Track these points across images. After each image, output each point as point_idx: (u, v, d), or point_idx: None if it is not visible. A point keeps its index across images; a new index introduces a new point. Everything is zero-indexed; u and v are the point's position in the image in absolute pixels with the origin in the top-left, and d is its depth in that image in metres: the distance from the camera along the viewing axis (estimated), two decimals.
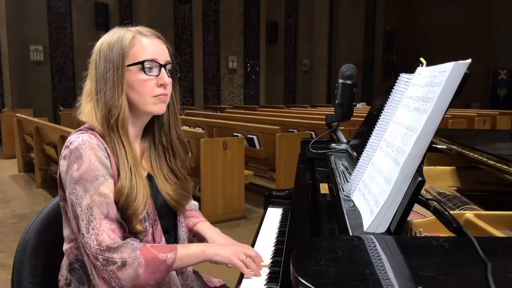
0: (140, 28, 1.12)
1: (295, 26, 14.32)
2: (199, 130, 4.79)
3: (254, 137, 4.73)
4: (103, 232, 0.99)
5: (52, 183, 5.16)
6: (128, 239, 1.02)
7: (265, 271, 1.09)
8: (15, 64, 9.35)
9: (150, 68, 1.08)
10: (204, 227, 1.28)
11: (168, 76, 1.11)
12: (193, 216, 1.31)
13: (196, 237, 1.29)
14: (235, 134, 4.84)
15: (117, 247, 0.98)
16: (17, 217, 4.10)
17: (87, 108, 1.09)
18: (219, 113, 8.80)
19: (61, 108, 9.21)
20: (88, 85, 1.11)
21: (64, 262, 1.15)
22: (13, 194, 5.07)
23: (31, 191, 5.17)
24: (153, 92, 1.09)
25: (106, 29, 10.47)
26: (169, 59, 1.13)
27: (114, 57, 1.06)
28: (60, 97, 10.32)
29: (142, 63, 1.07)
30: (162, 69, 1.10)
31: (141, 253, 0.99)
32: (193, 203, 1.36)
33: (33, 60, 9.73)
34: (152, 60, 1.08)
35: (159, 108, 1.11)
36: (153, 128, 1.20)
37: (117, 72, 1.06)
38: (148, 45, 1.09)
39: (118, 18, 10.29)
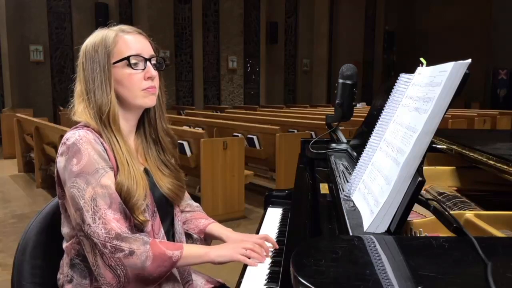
0: (122, 26, 1.16)
1: (295, 26, 14.31)
2: (199, 130, 4.79)
3: (254, 137, 4.72)
4: (109, 221, 1.02)
5: (52, 183, 5.15)
6: (137, 234, 1.05)
7: (265, 271, 1.09)
8: (15, 64, 9.35)
9: (136, 63, 1.12)
10: (218, 227, 1.32)
11: (154, 69, 1.15)
12: (202, 218, 1.34)
13: (208, 237, 1.32)
14: (235, 134, 4.84)
15: (126, 237, 1.02)
16: (17, 217, 4.10)
17: (80, 108, 1.13)
18: (219, 113, 8.80)
19: (61, 108, 9.21)
20: (78, 87, 1.15)
21: (64, 260, 1.16)
22: (13, 194, 5.07)
23: (31, 191, 5.17)
24: (141, 85, 1.13)
25: None
26: (152, 53, 1.17)
27: (99, 57, 1.11)
28: (60, 97, 10.31)
29: (127, 58, 1.11)
30: (148, 62, 1.14)
31: (150, 247, 1.03)
32: (196, 205, 1.39)
33: (33, 60, 9.72)
34: (137, 55, 1.13)
35: (149, 101, 1.15)
36: (143, 123, 1.23)
37: (104, 71, 1.10)
38: (131, 41, 1.13)
39: (118, 18, 10.28)
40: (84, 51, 1.13)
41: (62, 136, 4.40)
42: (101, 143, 1.09)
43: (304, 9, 14.18)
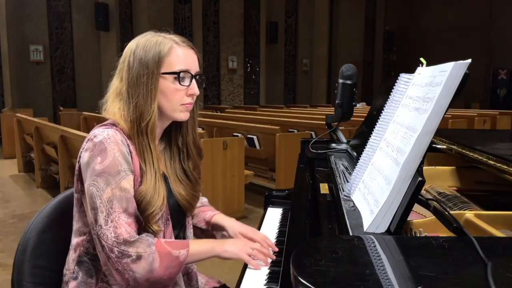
0: (176, 38, 1.14)
1: (295, 26, 14.32)
2: (199, 130, 4.79)
3: (254, 137, 4.72)
4: (121, 225, 1.01)
5: (52, 183, 5.16)
6: (143, 235, 1.04)
7: (265, 271, 1.09)
8: (15, 64, 9.35)
9: (183, 78, 1.12)
10: (222, 217, 1.33)
11: (197, 86, 1.16)
12: (208, 210, 1.36)
13: (214, 228, 1.33)
14: (235, 134, 4.84)
15: (133, 241, 1.01)
16: (17, 217, 4.10)
17: (114, 107, 1.12)
18: (219, 113, 8.80)
19: (61, 108, 9.21)
20: (117, 84, 1.13)
21: (71, 256, 1.15)
22: (13, 194, 5.07)
23: (31, 191, 5.17)
24: (182, 100, 1.13)
25: (106, 29, 10.35)
26: (198, 70, 1.17)
27: (149, 62, 1.09)
28: (60, 97, 10.31)
29: (178, 73, 1.11)
30: (193, 80, 1.14)
31: (156, 248, 1.02)
32: (204, 200, 1.40)
33: (33, 60, 9.72)
34: (186, 71, 1.12)
35: (184, 116, 1.16)
36: (169, 130, 1.23)
37: (152, 78, 1.09)
38: (183, 55, 1.12)
39: (118, 18, 10.29)
40: (133, 50, 1.11)
41: (62, 136, 4.37)
42: (128, 145, 1.08)
43: (304, 9, 14.18)
